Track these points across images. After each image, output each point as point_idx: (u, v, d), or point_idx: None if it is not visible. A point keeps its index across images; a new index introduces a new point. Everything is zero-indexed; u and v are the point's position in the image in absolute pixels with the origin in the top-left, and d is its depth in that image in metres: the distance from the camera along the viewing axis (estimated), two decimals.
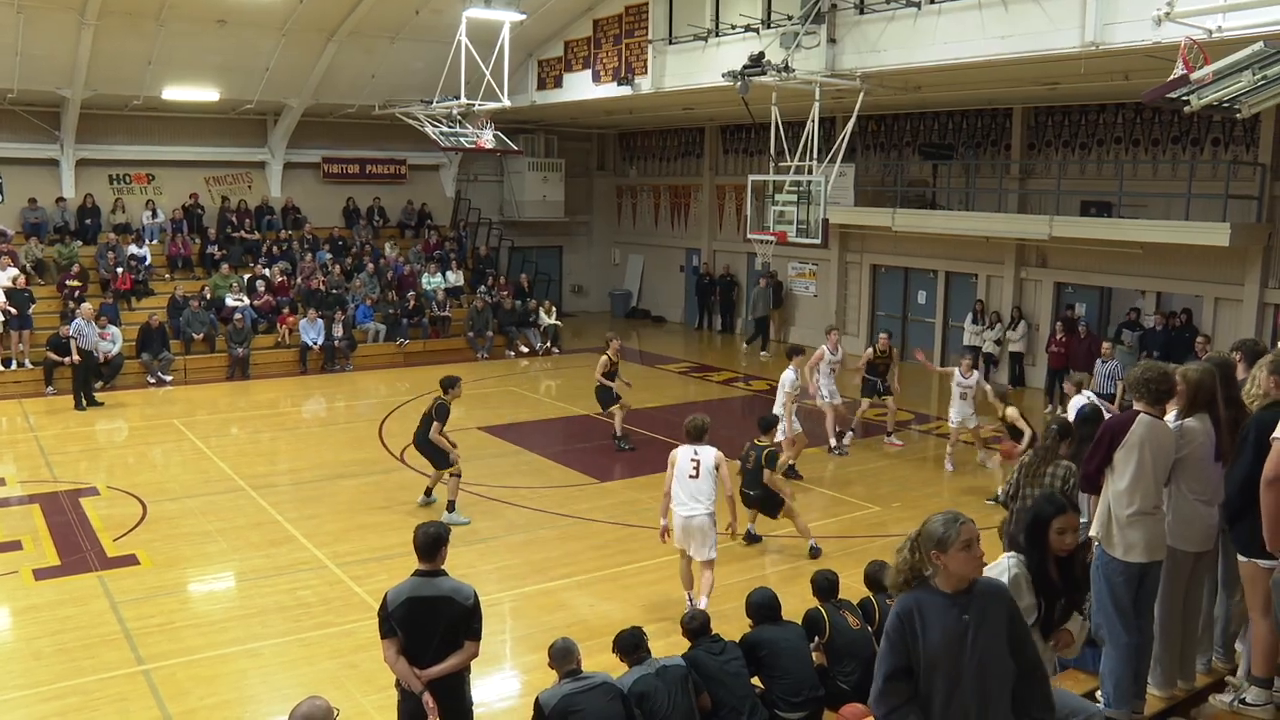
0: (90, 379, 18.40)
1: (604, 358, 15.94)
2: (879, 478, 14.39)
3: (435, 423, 12.03)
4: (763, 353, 24.38)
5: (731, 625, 7.55)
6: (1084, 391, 12.19)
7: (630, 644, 6.84)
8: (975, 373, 15.02)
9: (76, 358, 18.14)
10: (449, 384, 12.39)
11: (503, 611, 9.65)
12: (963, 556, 4.17)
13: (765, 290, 25.14)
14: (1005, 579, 4.67)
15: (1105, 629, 5.83)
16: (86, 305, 18.99)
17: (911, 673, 4.24)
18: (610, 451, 15.70)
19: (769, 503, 10.95)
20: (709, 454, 9.42)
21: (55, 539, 11.40)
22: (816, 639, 7.43)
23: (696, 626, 7.14)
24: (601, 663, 7.32)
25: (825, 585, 7.73)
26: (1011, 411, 12.98)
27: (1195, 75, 9.80)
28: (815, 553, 11.10)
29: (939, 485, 14.18)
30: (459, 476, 12.27)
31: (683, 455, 9.45)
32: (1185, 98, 10.12)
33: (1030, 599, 4.70)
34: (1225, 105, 10.37)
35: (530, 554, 11.24)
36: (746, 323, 26.50)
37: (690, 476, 9.33)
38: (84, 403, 17.94)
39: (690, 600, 9.38)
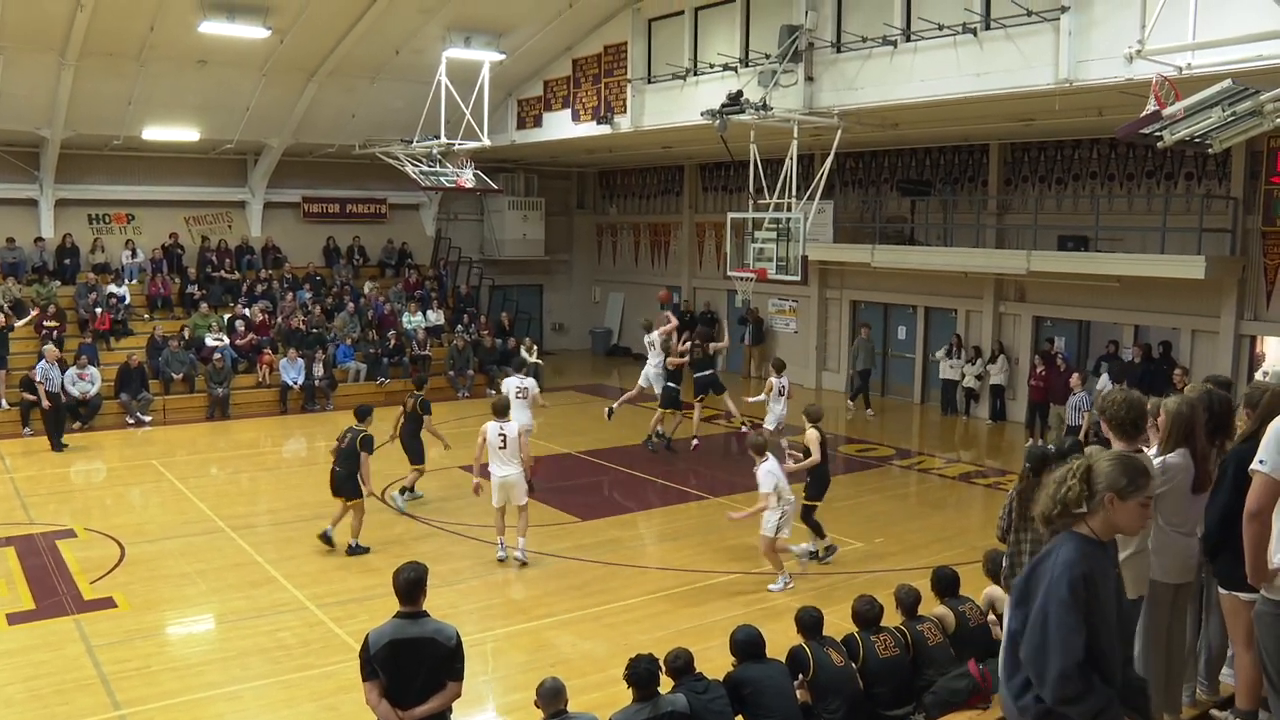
0: (61, 422, 18.14)
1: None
2: (861, 513, 14.36)
3: (364, 453, 12.22)
4: (868, 411, 21.78)
5: (714, 664, 7.50)
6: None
7: (646, 677, 6.70)
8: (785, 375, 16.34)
9: (46, 403, 17.80)
10: (365, 413, 12.73)
11: (484, 651, 9.56)
12: (1139, 512, 3.86)
13: (867, 341, 22.42)
14: None
15: None
16: (50, 348, 18.66)
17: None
18: (591, 489, 15.68)
19: None
20: (512, 427, 11.89)
21: (30, 582, 11.23)
22: (801, 676, 7.39)
23: (680, 665, 7.07)
24: (584, 703, 7.26)
25: (809, 622, 7.69)
26: (812, 434, 12.03)
27: (1167, 111, 9.93)
28: None
29: (924, 520, 14.17)
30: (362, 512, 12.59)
31: (492, 430, 11.73)
32: (1158, 133, 10.24)
33: None
34: (1197, 140, 10.50)
35: (512, 593, 11.18)
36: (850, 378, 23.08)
37: (500, 448, 11.68)
38: (62, 444, 17.77)
39: (502, 544, 11.93)
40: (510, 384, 15.29)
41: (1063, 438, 17.08)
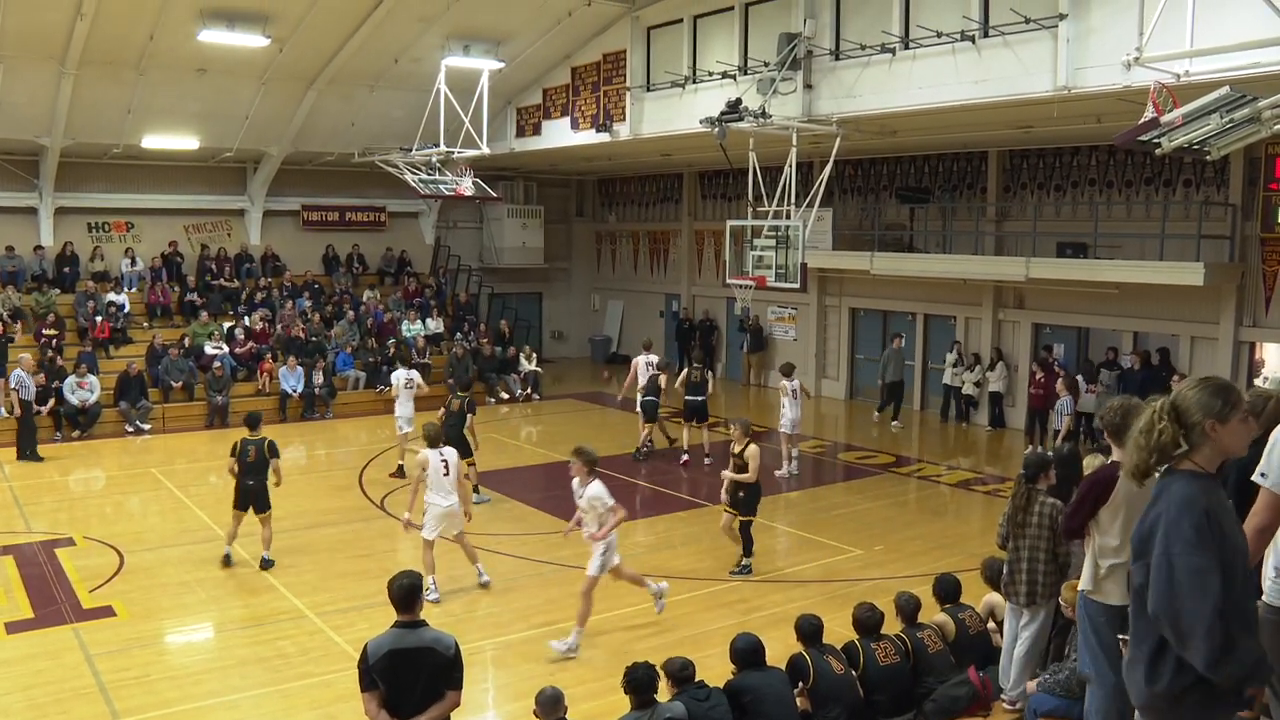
0: (33, 431, 17.90)
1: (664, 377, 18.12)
2: (859, 520, 14.36)
3: (274, 460, 12.16)
4: (894, 423, 21.33)
5: (714, 672, 7.49)
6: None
7: (644, 683, 6.69)
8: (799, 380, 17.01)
9: (18, 411, 17.58)
10: (256, 421, 12.71)
11: (485, 660, 9.55)
12: (1243, 430, 3.65)
13: (898, 352, 21.68)
14: None
15: (1091, 668, 5.84)
16: (26, 357, 18.47)
17: None
18: None
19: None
20: (452, 453, 11.37)
21: (29, 591, 11.21)
22: (800, 684, 7.38)
23: (684, 675, 7.04)
24: (583, 711, 7.25)
25: (809, 630, 7.68)
26: (754, 449, 11.74)
27: (1165, 118, 9.94)
28: None
29: (924, 527, 14.16)
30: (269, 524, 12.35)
31: (434, 458, 11.08)
32: (1156, 140, 10.25)
33: None
34: (1195, 147, 10.51)
35: (512, 601, 11.15)
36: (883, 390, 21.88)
37: (444, 475, 11.08)
38: (38, 455, 17.61)
39: (434, 584, 10.82)
40: (399, 376, 16.85)
41: (1060, 444, 17.11)
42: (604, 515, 9.74)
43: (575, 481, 9.98)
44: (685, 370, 18.36)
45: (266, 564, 12.06)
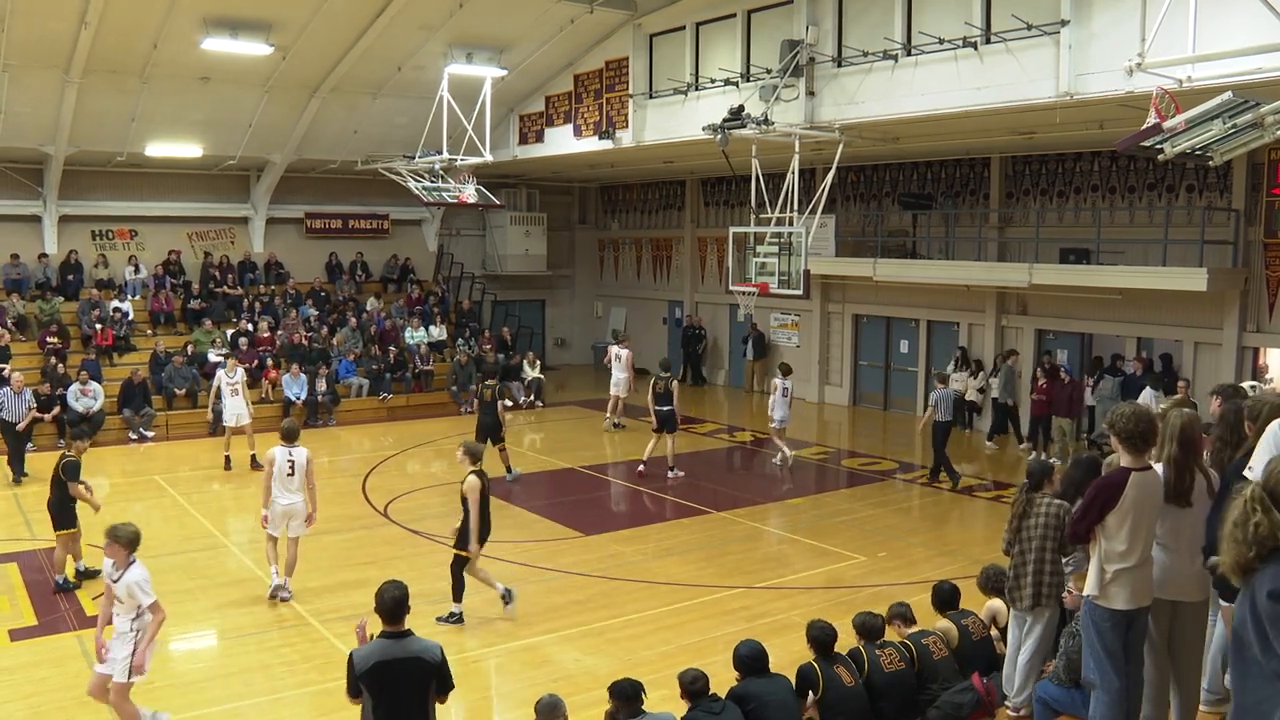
0: (21, 449, 17.22)
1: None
2: (863, 527, 14.34)
3: (70, 482, 11.38)
4: (990, 443, 20.01)
5: (718, 679, 7.47)
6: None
7: (627, 695, 6.72)
8: (789, 379, 17.97)
9: None
10: (73, 435, 12.27)
11: (486, 667, 9.54)
12: None
13: (1011, 370, 19.73)
14: None
15: (1095, 673, 5.83)
16: (18, 375, 17.88)
17: None
18: (594, 504, 15.67)
19: None
20: (301, 453, 11.19)
21: (33, 598, 11.23)
22: (811, 694, 7.35)
23: (700, 689, 6.99)
24: (586, 718, 7.23)
25: (824, 639, 7.64)
26: (472, 482, 10.39)
27: (1168, 124, 9.93)
28: None
29: (925, 534, 14.14)
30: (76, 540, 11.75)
31: (280, 456, 11.08)
32: (1159, 146, 10.25)
33: None
34: (1198, 153, 10.50)
35: (514, 608, 11.12)
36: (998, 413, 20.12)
37: (288, 474, 11.06)
38: (21, 472, 16.89)
39: (277, 578, 11.16)
40: (240, 374, 18.04)
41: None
42: (143, 612, 7.67)
43: (110, 564, 7.78)
44: (652, 380, 17.85)
45: (61, 586, 11.46)
